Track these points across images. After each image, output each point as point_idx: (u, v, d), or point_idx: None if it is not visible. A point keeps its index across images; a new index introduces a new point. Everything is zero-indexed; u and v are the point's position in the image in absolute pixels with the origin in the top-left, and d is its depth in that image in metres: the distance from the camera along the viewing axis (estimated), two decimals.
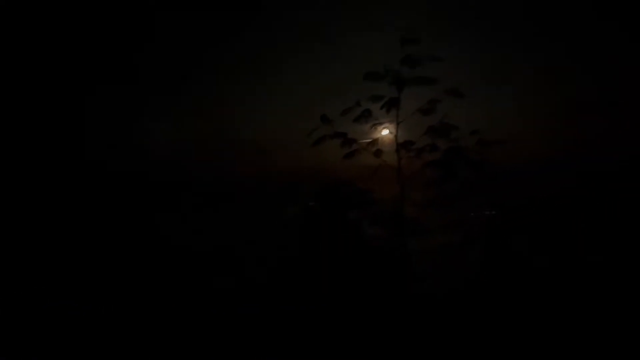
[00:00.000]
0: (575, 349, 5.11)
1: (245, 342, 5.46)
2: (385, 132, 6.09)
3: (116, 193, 7.94)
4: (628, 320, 5.29)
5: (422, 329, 5.57)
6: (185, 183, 8.28)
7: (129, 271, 6.75)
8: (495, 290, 6.25)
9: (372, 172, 6.10)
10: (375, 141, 6.01)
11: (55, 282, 6.42)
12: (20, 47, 7.80)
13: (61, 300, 6.03)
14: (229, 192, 7.92)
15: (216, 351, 5.40)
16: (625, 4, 7.16)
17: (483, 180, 6.00)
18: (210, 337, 5.62)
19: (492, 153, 5.95)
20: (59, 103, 8.16)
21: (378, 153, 5.97)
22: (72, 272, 6.63)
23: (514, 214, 6.74)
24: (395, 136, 5.97)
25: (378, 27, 7.21)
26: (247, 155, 8.20)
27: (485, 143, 5.86)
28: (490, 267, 6.40)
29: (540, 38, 7.63)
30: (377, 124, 5.99)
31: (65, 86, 8.11)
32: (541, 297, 6.05)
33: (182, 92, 8.48)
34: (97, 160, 8.22)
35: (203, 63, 8.42)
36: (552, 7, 7.25)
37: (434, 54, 5.79)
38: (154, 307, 6.11)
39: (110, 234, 7.32)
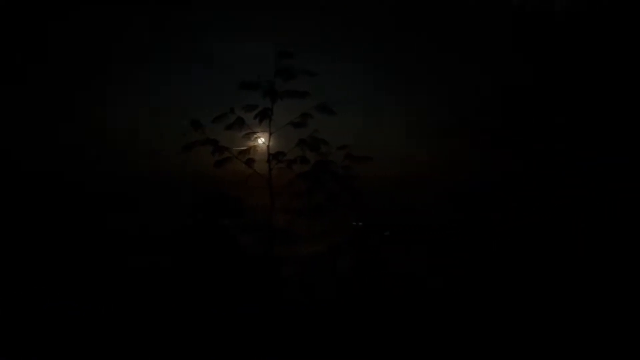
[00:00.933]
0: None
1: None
2: (260, 141, 6.14)
3: None
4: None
5: (285, 334, 5.67)
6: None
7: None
8: (360, 298, 6.54)
9: (243, 180, 6.13)
10: (247, 150, 6.03)
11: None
12: None
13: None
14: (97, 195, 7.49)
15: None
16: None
17: (351, 192, 6.25)
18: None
19: (363, 168, 6.29)
20: None
21: (249, 162, 6.00)
22: None
23: (382, 226, 7.15)
24: (267, 146, 6.06)
25: (258, 38, 7.30)
26: (118, 158, 7.80)
27: (354, 158, 6.15)
28: (356, 276, 6.70)
29: (414, 62, 8.19)
30: (250, 133, 6.03)
31: None
32: (409, 306, 6.42)
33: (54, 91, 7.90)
34: None
35: (77, 61, 7.89)
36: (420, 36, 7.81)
37: (310, 69, 5.98)
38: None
39: None
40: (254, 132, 6.02)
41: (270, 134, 6.07)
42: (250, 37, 7.71)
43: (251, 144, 6.07)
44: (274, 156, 6.03)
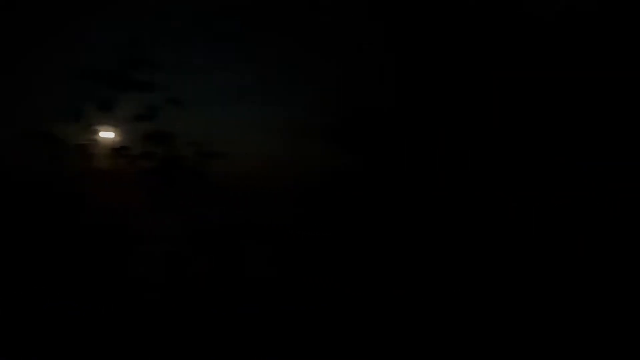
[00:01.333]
0: None
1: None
2: (101, 135, 5.81)
3: None
4: None
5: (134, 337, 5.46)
6: None
7: None
8: (215, 299, 6.43)
9: (85, 177, 5.76)
10: (86, 144, 5.66)
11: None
12: None
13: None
14: None
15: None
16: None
17: (203, 190, 6.13)
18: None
19: (221, 166, 6.21)
20: None
21: (88, 157, 5.63)
22: None
23: (235, 225, 7.09)
24: (110, 140, 5.74)
25: (103, 26, 6.88)
26: None
27: (205, 154, 6.04)
28: (209, 276, 6.57)
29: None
30: (90, 126, 5.67)
31: None
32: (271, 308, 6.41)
33: None
34: None
35: None
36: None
37: (156, 60, 5.82)
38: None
39: None
40: (95, 125, 5.68)
41: (115, 128, 5.77)
42: (106, 26, 7.26)
43: (92, 137, 5.72)
44: (116, 151, 5.72)
